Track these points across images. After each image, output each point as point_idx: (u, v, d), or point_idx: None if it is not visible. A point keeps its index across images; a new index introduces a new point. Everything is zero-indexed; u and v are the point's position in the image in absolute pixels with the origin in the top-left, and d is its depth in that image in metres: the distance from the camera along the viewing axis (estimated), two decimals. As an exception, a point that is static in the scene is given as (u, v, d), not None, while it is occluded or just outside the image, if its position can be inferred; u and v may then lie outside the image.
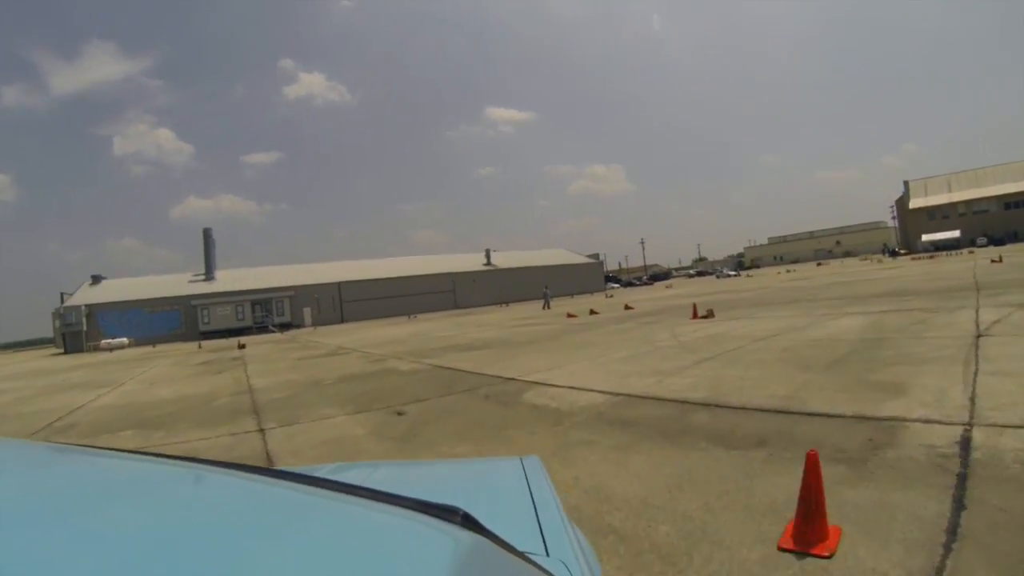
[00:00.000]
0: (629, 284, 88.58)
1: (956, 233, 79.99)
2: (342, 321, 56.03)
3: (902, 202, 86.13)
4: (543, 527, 0.92)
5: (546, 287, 39.05)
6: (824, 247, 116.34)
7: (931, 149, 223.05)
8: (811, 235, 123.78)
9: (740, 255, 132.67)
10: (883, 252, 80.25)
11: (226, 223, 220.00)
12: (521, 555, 0.70)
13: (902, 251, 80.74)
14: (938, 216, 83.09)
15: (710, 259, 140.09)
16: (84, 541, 0.50)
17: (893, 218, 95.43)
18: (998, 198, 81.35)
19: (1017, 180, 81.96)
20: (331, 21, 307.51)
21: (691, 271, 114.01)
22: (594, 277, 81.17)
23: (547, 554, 0.83)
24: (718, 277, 71.14)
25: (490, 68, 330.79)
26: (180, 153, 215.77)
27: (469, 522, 0.67)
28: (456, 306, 62.07)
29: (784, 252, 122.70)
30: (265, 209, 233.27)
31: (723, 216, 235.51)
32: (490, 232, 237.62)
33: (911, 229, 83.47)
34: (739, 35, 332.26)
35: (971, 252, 53.41)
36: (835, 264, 70.00)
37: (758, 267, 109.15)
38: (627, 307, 23.36)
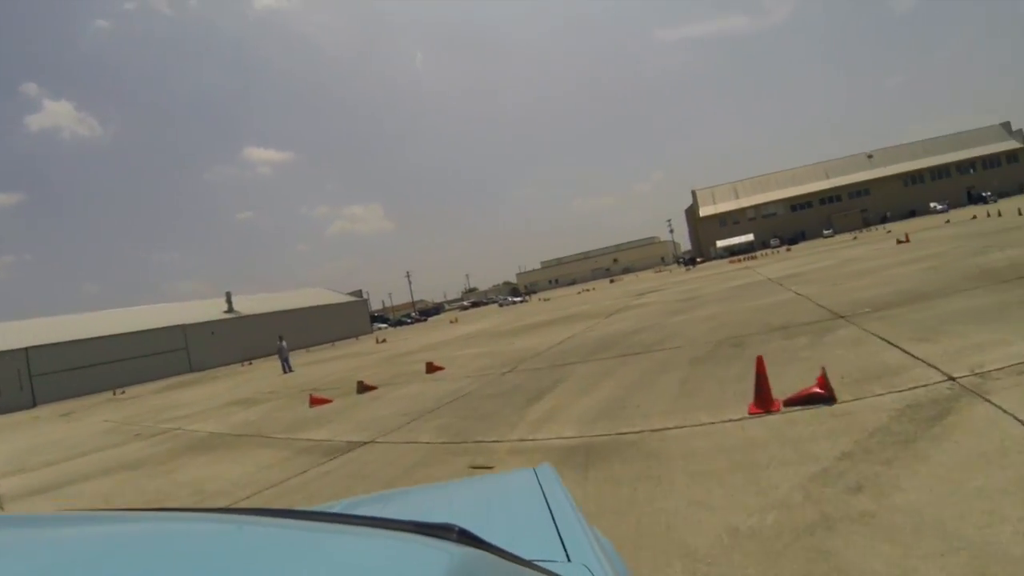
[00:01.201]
0: (399, 323, 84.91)
1: (750, 237, 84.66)
2: (34, 404, 41.61)
3: (692, 211, 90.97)
4: (562, 533, 0.96)
5: (281, 339, 25.71)
6: (601, 266, 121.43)
7: (675, 176, 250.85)
8: (586, 255, 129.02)
9: (511, 283, 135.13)
10: (677, 262, 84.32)
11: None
12: (526, 563, 0.75)
13: (699, 259, 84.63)
14: (729, 222, 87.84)
15: (481, 288, 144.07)
16: None
17: (671, 231, 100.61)
18: (785, 201, 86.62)
19: (800, 183, 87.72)
20: (83, 43, 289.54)
21: (465, 303, 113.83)
22: (359, 318, 75.97)
23: (568, 559, 0.87)
24: (501, 306, 71.42)
25: (250, 105, 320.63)
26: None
27: (466, 537, 0.70)
28: (191, 368, 51.92)
29: (559, 275, 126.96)
30: (4, 262, 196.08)
31: (489, 245, 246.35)
32: (250, 281, 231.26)
33: (703, 237, 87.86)
34: (497, 71, 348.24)
35: (780, 251, 57.58)
36: (630, 279, 72.81)
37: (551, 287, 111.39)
38: (431, 367, 12.63)
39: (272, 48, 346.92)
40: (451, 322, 47.92)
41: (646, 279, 57.12)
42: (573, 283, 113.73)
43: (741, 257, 60.91)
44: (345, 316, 71.98)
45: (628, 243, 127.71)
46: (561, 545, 0.90)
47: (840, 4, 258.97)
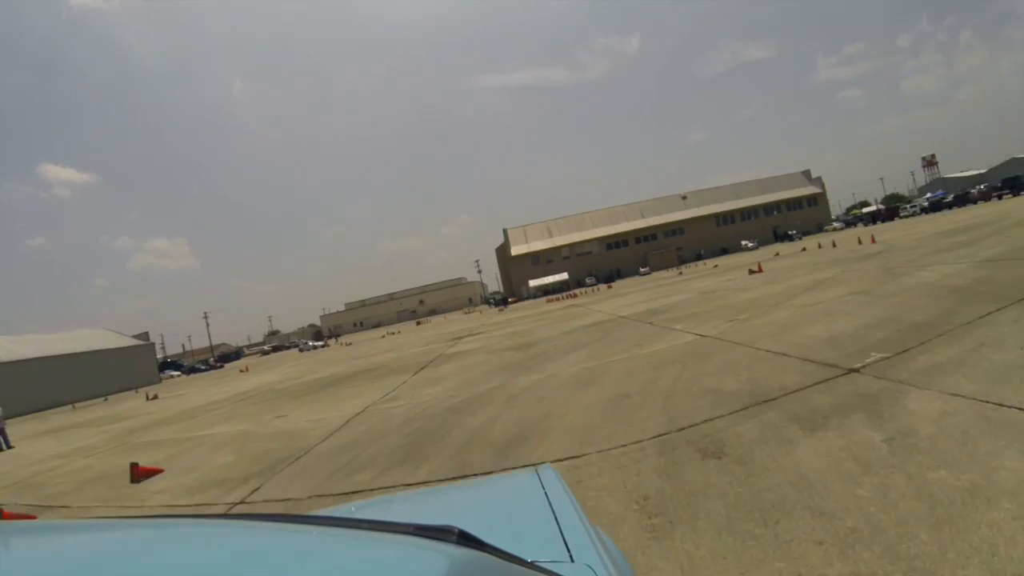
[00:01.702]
0: (194, 369, 74.60)
1: (564, 275, 79.12)
2: None
3: (503, 250, 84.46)
4: (565, 534, 0.94)
5: None
6: (407, 307, 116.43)
7: (484, 218, 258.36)
8: (391, 297, 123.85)
9: (314, 325, 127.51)
10: (487, 303, 75.56)
11: None
12: (527, 564, 0.74)
13: (511, 299, 77.04)
14: (543, 261, 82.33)
15: (284, 332, 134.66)
16: None
17: (479, 271, 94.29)
18: (600, 239, 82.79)
19: (616, 223, 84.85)
20: None
21: (266, 347, 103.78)
22: (145, 364, 65.42)
23: (571, 560, 0.86)
24: (301, 350, 64.01)
25: (51, 115, 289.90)
26: None
27: (465, 539, 0.70)
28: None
29: (364, 317, 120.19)
30: None
31: (294, 287, 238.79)
32: (37, 320, 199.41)
33: (515, 276, 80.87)
34: (314, 108, 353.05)
35: (599, 289, 53.80)
36: (437, 320, 66.01)
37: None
38: (139, 472, 7.36)
39: (86, 55, 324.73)
40: (241, 371, 42.00)
41: (455, 321, 50.81)
42: (378, 326, 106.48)
43: (560, 296, 55.79)
44: (128, 363, 60.56)
45: (435, 284, 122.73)
46: (564, 545, 0.91)
47: (651, 67, 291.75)
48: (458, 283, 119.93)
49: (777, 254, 36.55)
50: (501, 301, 73.97)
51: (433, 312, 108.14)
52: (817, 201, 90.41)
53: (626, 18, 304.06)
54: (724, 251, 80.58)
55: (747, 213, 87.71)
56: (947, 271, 10.36)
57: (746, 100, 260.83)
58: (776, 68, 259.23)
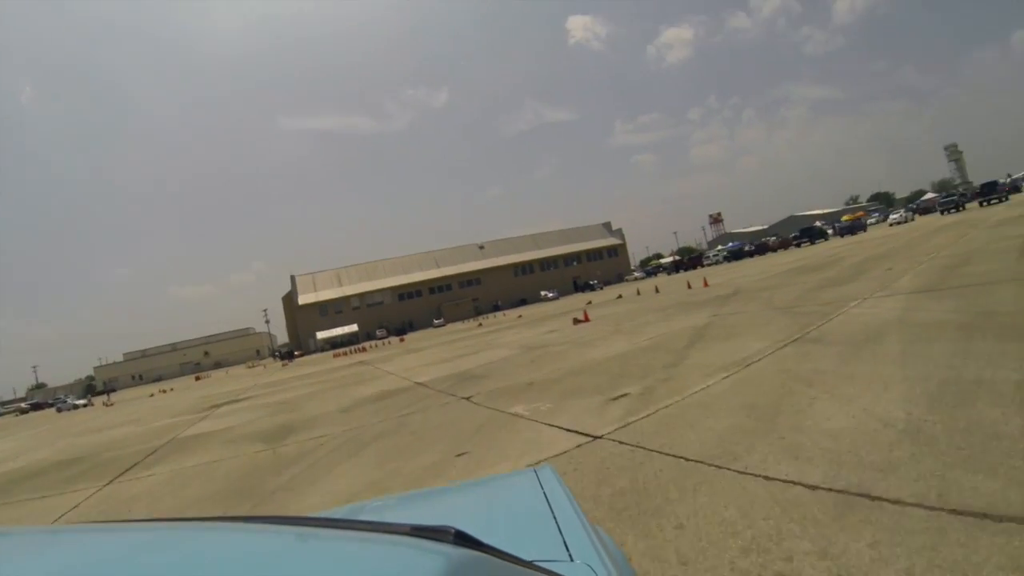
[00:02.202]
0: None
1: (354, 327, 76.56)
2: None
3: (290, 299, 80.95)
4: (564, 533, 0.96)
5: None
6: (191, 359, 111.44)
7: (279, 265, 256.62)
8: (174, 347, 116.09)
9: (91, 377, 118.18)
10: (274, 356, 71.21)
11: None
12: (525, 563, 0.75)
13: (297, 352, 72.84)
14: (331, 311, 79.63)
15: (52, 385, 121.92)
16: None
17: (267, 322, 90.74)
18: (392, 289, 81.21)
19: (409, 272, 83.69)
20: None
21: (24, 404, 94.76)
22: None
23: (571, 559, 0.87)
24: (59, 411, 54.36)
25: None
26: None
27: (463, 539, 0.70)
28: None
29: (145, 369, 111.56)
30: None
31: (71, 333, 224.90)
32: None
33: (303, 327, 77.31)
34: (108, 142, 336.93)
35: (390, 342, 50.28)
36: (219, 376, 60.00)
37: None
38: None
39: None
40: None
41: (235, 377, 44.76)
42: (159, 379, 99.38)
43: (349, 350, 53.56)
44: None
45: (221, 334, 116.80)
46: (564, 545, 0.92)
47: (456, 121, 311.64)
48: (246, 334, 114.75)
49: (590, 302, 35.06)
50: (287, 355, 70.10)
51: (218, 365, 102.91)
52: (617, 252, 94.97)
53: (436, 72, 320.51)
54: (523, 301, 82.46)
55: (546, 263, 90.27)
56: (891, 305, 8.61)
57: (546, 158, 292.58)
58: (576, 130, 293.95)
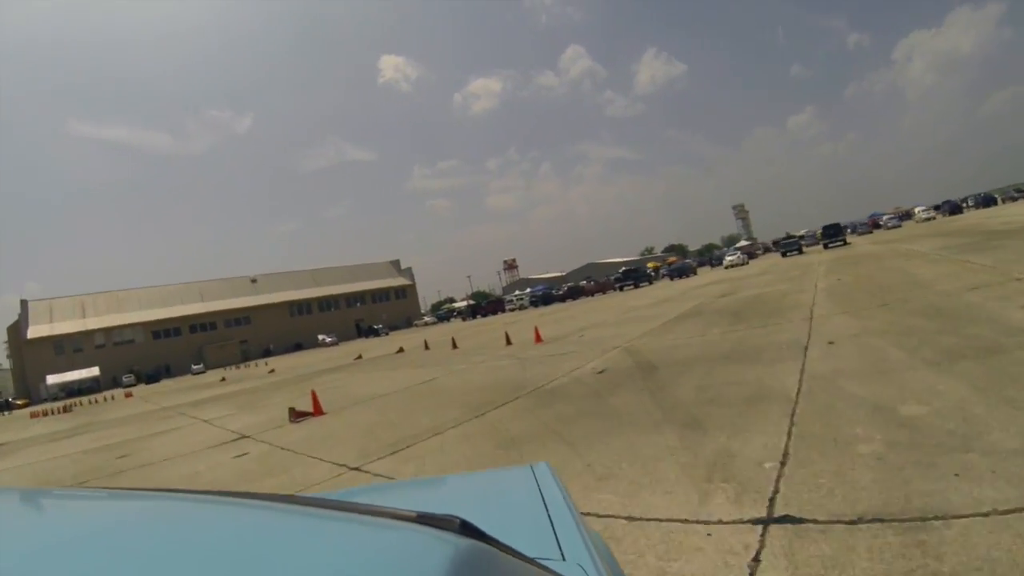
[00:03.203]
0: None
1: (95, 371, 70.61)
2: None
3: (15, 330, 73.31)
4: (558, 532, 0.98)
5: None
6: None
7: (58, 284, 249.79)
8: None
9: None
10: None
11: None
12: (527, 559, 0.77)
13: (19, 401, 65.88)
14: (69, 349, 72.99)
15: None
16: None
17: (8, 356, 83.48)
18: (146, 325, 75.98)
19: (168, 305, 78.51)
20: None
21: None
22: None
23: (563, 558, 0.89)
24: None
25: None
26: None
27: (467, 529, 0.73)
28: None
29: None
30: None
31: None
32: None
33: (32, 368, 70.36)
34: None
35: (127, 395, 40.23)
36: None
37: None
38: None
39: None
40: None
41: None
42: None
43: (74, 401, 48.34)
44: None
45: None
46: (556, 543, 0.94)
47: (253, 151, 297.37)
48: None
49: (359, 356, 28.86)
50: (4, 405, 63.75)
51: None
52: (407, 293, 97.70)
53: (242, 96, 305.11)
54: (298, 346, 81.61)
55: (327, 303, 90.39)
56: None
57: (343, 197, 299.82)
58: (375, 171, 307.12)
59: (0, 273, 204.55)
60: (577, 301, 51.24)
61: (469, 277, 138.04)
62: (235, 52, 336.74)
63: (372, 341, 56.35)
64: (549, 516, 1.08)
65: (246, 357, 78.25)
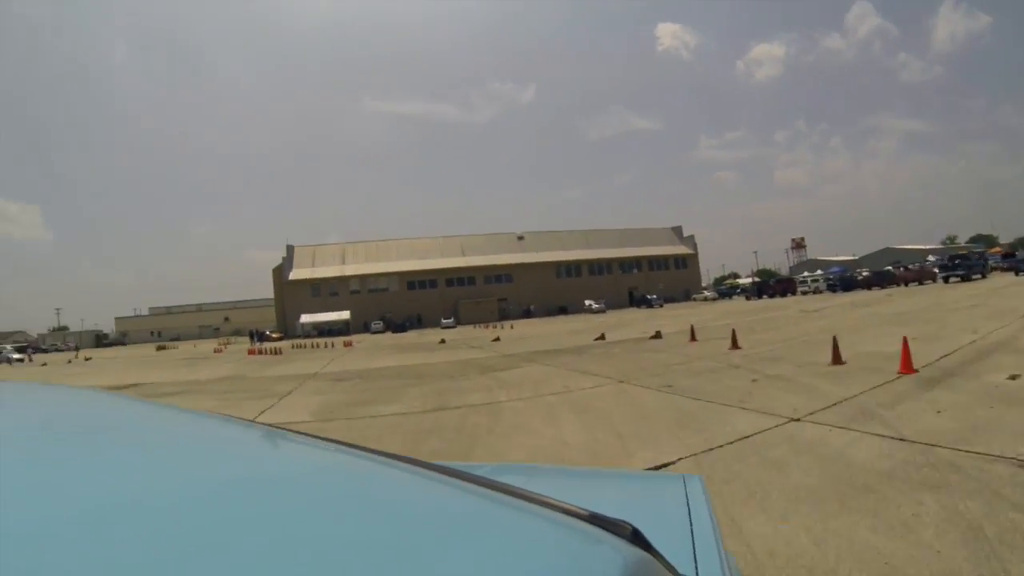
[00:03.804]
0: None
1: (346, 314, 64.61)
2: None
3: (279, 272, 70.02)
4: (697, 550, 0.95)
5: None
6: (211, 323, 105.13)
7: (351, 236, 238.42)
8: (199, 308, 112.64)
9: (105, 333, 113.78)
10: (251, 336, 60.78)
11: None
12: None
13: (274, 335, 61.65)
14: (325, 292, 68.01)
15: (75, 329, 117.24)
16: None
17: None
18: (401, 275, 68.87)
19: (425, 257, 71.23)
20: None
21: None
22: None
23: None
24: None
25: None
26: None
27: (638, 539, 0.69)
28: None
29: (165, 327, 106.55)
30: None
31: (152, 281, 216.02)
32: None
33: (290, 307, 66.23)
34: (186, 100, 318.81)
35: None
36: (186, 349, 51.47)
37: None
38: None
39: None
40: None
41: (213, 362, 29.07)
42: (177, 338, 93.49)
43: (312, 342, 43.59)
44: None
45: (245, 301, 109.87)
46: (694, 563, 0.91)
47: (540, 119, 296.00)
48: (269, 304, 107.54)
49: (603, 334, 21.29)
50: (258, 335, 59.18)
51: (237, 332, 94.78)
52: (687, 263, 78.87)
53: (524, 68, 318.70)
54: (563, 310, 68.14)
55: (598, 267, 75.70)
56: None
57: (627, 166, 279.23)
58: (659, 140, 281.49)
59: (314, 225, 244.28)
60: (886, 290, 39.82)
61: (755, 252, 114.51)
62: (513, 26, 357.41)
63: (639, 313, 48.46)
64: (692, 532, 1.03)
65: (504, 316, 66.58)
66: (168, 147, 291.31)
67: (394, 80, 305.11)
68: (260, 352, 30.88)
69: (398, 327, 59.72)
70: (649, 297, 63.88)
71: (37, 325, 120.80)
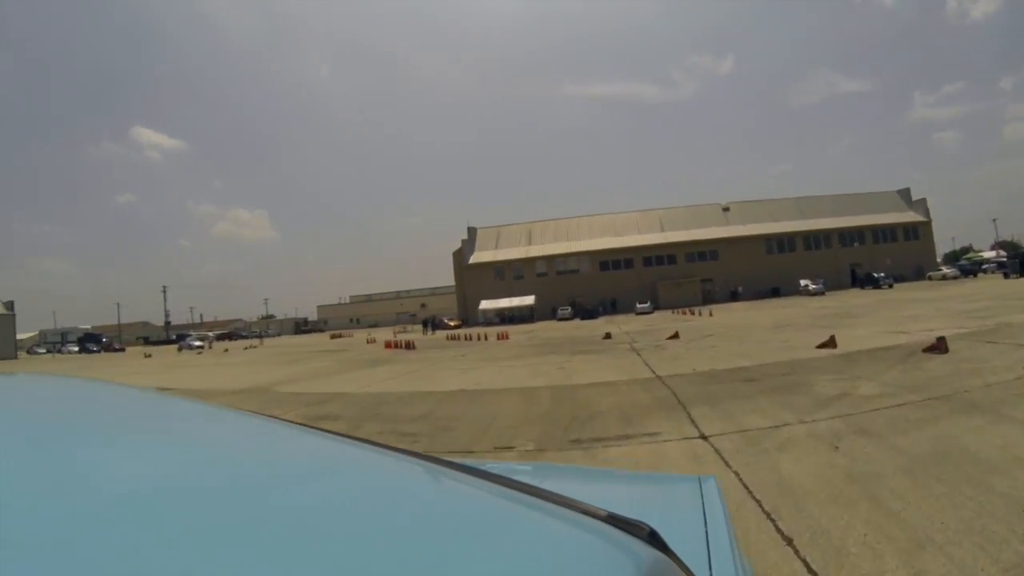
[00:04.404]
0: (85, 349, 69.84)
1: (530, 299, 59.05)
2: None
3: (460, 256, 64.59)
4: (711, 552, 0.94)
5: None
6: (407, 310, 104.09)
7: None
8: (397, 295, 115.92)
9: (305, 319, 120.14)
10: (424, 325, 55.83)
11: None
12: None
13: (451, 322, 57.09)
14: (509, 275, 61.97)
15: (279, 317, 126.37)
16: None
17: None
18: (591, 255, 61.73)
19: (619, 234, 63.87)
20: None
21: (209, 333, 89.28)
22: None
23: None
24: (180, 349, 52.48)
25: (146, 80, 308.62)
26: None
27: (655, 540, 0.69)
28: None
29: (364, 313, 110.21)
30: None
31: (363, 270, 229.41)
32: (123, 271, 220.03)
33: (471, 292, 60.93)
34: (402, 102, 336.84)
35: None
36: (379, 334, 47.28)
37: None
38: None
39: (172, 24, 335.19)
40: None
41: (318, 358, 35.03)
42: (375, 325, 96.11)
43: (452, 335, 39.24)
44: None
45: (443, 288, 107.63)
46: (708, 565, 0.90)
47: (741, 91, 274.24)
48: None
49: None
50: (432, 323, 54.32)
51: (434, 318, 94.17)
52: (919, 233, 66.36)
53: (720, 38, 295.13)
54: (775, 291, 58.82)
55: (814, 239, 64.83)
56: None
57: (836, 134, 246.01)
58: (870, 102, 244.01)
59: (506, 215, 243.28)
60: None
61: (995, 221, 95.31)
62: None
63: (866, 296, 37.88)
64: (706, 533, 1.02)
65: (708, 299, 58.09)
66: (381, 145, 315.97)
67: (592, 64, 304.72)
68: (396, 346, 26.97)
69: (587, 313, 52.89)
70: (876, 276, 53.00)
71: (252, 313, 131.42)
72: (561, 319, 52.37)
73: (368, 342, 34.53)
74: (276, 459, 0.83)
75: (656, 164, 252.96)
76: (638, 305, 51.93)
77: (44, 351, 78.63)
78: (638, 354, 14.55)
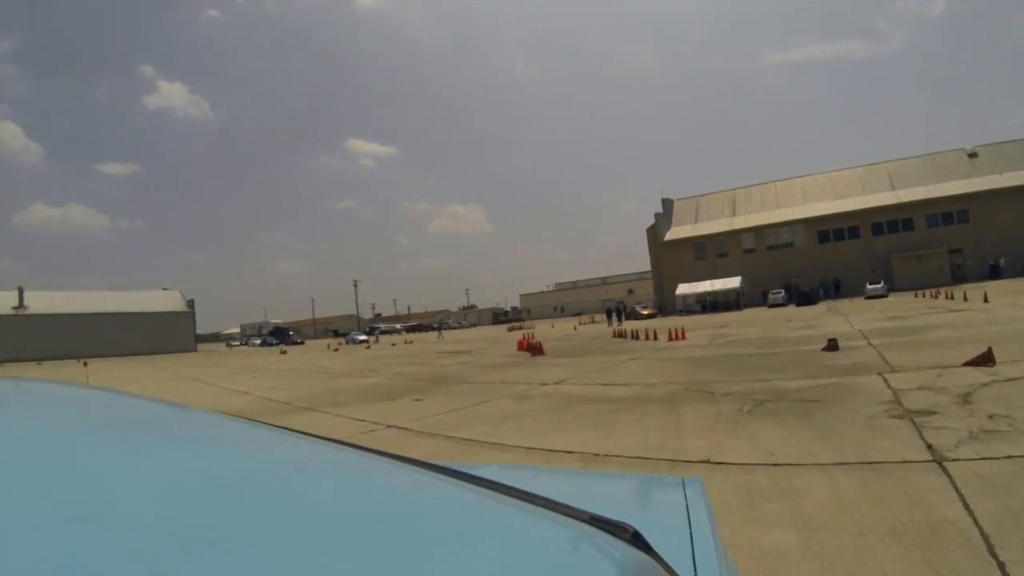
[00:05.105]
0: (267, 343, 71.57)
1: (734, 281, 53.85)
2: None
3: (654, 233, 60.40)
4: (696, 553, 0.95)
5: None
6: (614, 296, 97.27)
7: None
8: (604, 281, 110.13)
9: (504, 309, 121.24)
10: (608, 313, 53.49)
11: (75, 235, 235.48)
12: None
13: (644, 311, 53.87)
14: (711, 253, 57.19)
15: (480, 307, 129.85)
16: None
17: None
18: (806, 224, 54.66)
19: (840, 196, 55.62)
20: (195, 31, 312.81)
21: (397, 325, 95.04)
22: (181, 333, 75.03)
23: None
24: (348, 342, 55.08)
25: (355, 99, 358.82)
26: (28, 153, 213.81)
27: (639, 541, 0.70)
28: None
29: (568, 301, 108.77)
30: (120, 225, 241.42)
31: (577, 257, 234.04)
32: (348, 267, 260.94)
33: (668, 275, 57.44)
34: (596, 86, 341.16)
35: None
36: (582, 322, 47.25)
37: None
38: None
39: (375, 45, 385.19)
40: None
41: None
42: (580, 312, 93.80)
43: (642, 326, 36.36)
44: (168, 329, 72.90)
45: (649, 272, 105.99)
46: (692, 565, 0.91)
47: (959, 33, 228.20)
48: None
49: None
50: (621, 311, 49.18)
51: (622, 305, 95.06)
52: None
53: None
54: None
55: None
56: None
57: None
58: None
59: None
60: None
61: None
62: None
63: None
64: (691, 535, 1.03)
65: (959, 277, 47.77)
66: (589, 130, 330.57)
67: (790, 25, 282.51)
68: (525, 348, 20.72)
69: (803, 296, 45.44)
70: None
71: (461, 304, 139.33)
72: (773, 305, 46.35)
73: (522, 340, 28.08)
74: (265, 465, 0.85)
75: (865, 124, 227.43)
76: (868, 286, 44.08)
77: (239, 343, 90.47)
78: (932, 450, 4.53)
